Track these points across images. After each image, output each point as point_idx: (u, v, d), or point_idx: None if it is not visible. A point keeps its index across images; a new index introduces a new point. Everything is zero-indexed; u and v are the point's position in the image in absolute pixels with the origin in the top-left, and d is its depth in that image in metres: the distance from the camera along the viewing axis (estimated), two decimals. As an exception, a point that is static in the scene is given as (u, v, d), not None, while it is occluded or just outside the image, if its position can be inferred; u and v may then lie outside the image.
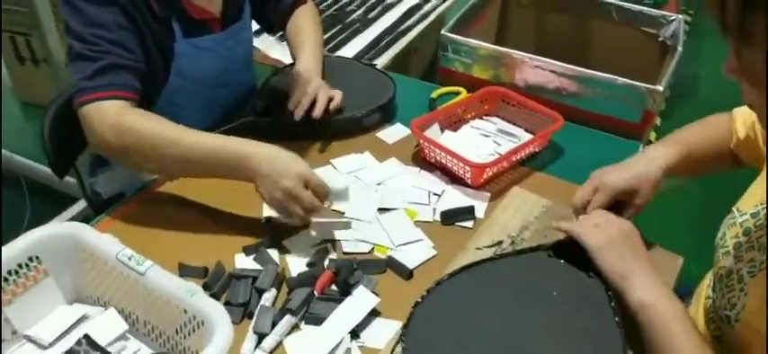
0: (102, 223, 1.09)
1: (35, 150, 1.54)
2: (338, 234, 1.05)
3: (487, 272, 0.92)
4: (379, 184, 1.17)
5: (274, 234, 1.05)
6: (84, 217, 2.14)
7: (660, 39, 1.69)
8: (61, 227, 0.88)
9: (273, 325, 0.88)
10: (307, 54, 1.33)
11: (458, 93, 1.45)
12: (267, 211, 1.09)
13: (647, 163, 0.99)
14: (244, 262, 1.00)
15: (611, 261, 0.86)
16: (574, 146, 1.28)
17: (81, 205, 2.15)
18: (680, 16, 1.63)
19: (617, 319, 0.83)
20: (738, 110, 1.00)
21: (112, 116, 1.00)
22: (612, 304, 0.85)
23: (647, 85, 1.31)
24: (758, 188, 0.85)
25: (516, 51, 1.43)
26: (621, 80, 1.34)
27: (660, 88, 1.30)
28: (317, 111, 1.21)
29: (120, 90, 1.03)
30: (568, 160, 1.26)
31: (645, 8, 1.68)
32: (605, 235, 0.89)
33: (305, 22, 1.40)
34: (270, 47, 2.00)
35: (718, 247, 0.88)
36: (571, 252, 0.92)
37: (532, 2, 1.84)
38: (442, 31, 1.51)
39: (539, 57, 1.41)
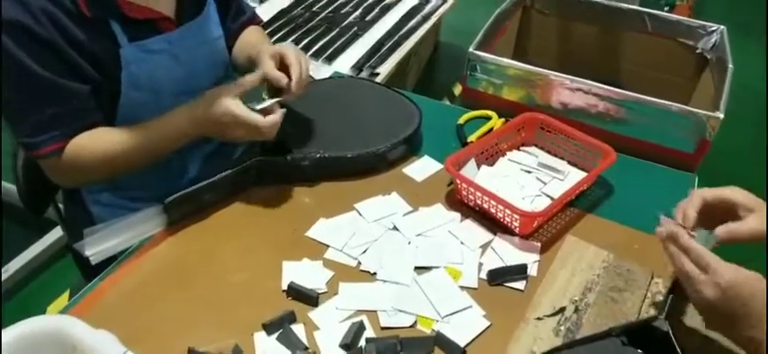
0: (93, 292, 0.92)
1: (4, 166, 1.34)
2: (374, 305, 0.90)
3: (561, 366, 0.78)
4: (416, 236, 1.01)
5: (298, 303, 0.90)
6: (64, 245, 1.95)
7: (698, 50, 1.55)
8: (45, 322, 0.71)
9: None
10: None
11: (488, 118, 1.30)
12: (288, 275, 0.93)
13: None
14: (266, 345, 0.84)
15: None
16: (624, 180, 1.14)
17: (59, 231, 1.96)
18: (722, 27, 1.50)
19: None
20: None
21: (60, 166, 1.01)
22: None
23: (706, 112, 1.17)
24: None
25: (554, 72, 1.28)
26: (676, 106, 1.20)
27: (720, 115, 1.17)
28: (294, 75, 1.03)
29: (58, 142, 0.99)
30: (620, 198, 1.12)
31: (682, 18, 1.55)
32: None
33: (257, 37, 1.26)
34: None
35: None
36: (646, 336, 0.79)
37: (556, 11, 1.69)
38: (470, 49, 1.35)
39: (580, 79, 1.26)
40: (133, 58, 1.00)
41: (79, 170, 1.01)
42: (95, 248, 0.92)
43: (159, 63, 1.04)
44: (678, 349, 0.77)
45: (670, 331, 0.81)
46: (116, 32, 0.98)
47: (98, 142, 1.01)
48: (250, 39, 1.25)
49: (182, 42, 1.07)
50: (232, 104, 0.98)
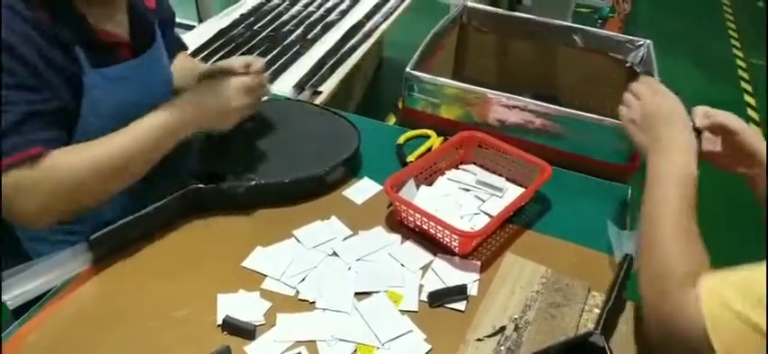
0: (14, 336, 0.87)
1: None
2: (313, 335, 0.87)
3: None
4: (356, 261, 1.00)
5: (234, 337, 0.87)
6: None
7: (628, 64, 1.61)
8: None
9: None
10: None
11: (427, 136, 1.31)
12: (223, 309, 0.90)
13: None
14: (200, 384, 0.81)
15: None
16: (561, 194, 1.16)
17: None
18: (648, 41, 1.56)
19: None
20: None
21: (38, 178, 0.89)
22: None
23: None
24: None
25: (491, 91, 1.30)
26: (608, 120, 1.23)
27: (651, 128, 1.20)
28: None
29: (43, 145, 0.90)
30: (558, 212, 1.14)
31: (612, 33, 1.60)
32: None
33: (193, 62, 1.33)
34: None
35: None
36: (583, 351, 0.80)
37: (493, 27, 1.72)
38: (407, 69, 1.36)
39: (516, 97, 1.28)
40: (97, 85, 0.98)
41: (63, 181, 0.91)
42: (12, 292, 0.86)
43: (120, 91, 1.02)
44: None
45: (606, 346, 0.82)
46: (80, 57, 0.95)
47: (82, 149, 0.94)
48: (188, 64, 1.28)
49: (140, 70, 1.06)
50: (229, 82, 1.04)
